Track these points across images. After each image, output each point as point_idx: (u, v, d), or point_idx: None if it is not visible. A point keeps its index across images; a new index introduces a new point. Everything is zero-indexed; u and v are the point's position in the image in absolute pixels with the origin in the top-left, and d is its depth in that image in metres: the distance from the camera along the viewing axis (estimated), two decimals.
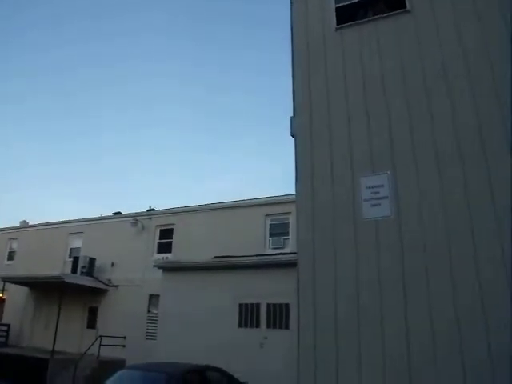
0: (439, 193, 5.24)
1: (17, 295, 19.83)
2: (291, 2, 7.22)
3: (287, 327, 10.79)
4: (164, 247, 17.96)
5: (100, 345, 14.67)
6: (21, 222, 23.99)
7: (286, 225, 16.37)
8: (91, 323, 17.80)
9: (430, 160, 5.43)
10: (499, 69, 5.43)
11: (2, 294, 19.36)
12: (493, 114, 5.28)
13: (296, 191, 6.18)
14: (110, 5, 46.87)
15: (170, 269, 13.33)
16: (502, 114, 5.18)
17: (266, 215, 16.83)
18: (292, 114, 6.57)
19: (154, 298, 16.12)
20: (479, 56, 5.65)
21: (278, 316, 11.13)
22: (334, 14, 6.80)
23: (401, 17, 6.39)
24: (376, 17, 6.59)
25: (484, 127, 5.27)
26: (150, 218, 18.82)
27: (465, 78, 5.63)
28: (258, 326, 11.26)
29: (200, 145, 56.00)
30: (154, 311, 15.76)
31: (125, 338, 15.93)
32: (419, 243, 5.13)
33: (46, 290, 18.60)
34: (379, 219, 5.48)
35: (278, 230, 16.52)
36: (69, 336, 16.98)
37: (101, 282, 17.96)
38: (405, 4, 6.40)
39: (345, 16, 6.77)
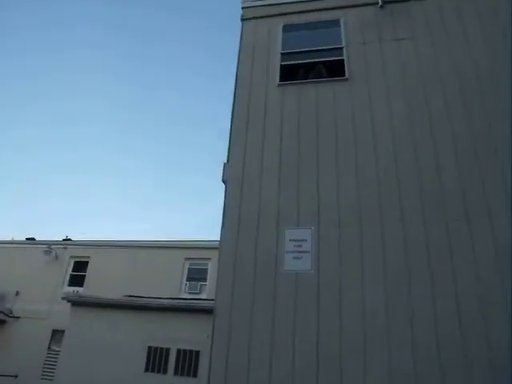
0: (359, 253, 5.48)
1: None
2: (239, 55, 7.50)
3: (195, 375, 10.49)
4: (76, 280, 17.18)
5: None
6: None
7: (205, 270, 16.31)
8: None
9: (354, 218, 5.71)
10: (421, 145, 5.96)
11: None
12: (412, 180, 5.71)
13: (221, 237, 6.18)
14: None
15: (79, 303, 12.67)
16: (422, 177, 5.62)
17: (186, 259, 16.69)
18: (226, 161, 6.67)
19: (57, 334, 15.17)
20: (405, 132, 6.16)
21: (187, 363, 10.81)
22: (279, 70, 7.15)
23: (339, 83, 6.85)
24: (317, 79, 7.01)
25: (403, 191, 5.66)
26: (65, 248, 18.04)
27: (391, 151, 6.06)
28: (165, 371, 10.84)
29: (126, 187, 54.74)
30: (56, 348, 14.77)
31: (16, 376, 14.71)
32: (336, 299, 5.28)
33: None
34: (299, 273, 5.58)
35: (196, 275, 16.41)
36: None
37: (0, 311, 16.70)
38: (344, 73, 6.89)
39: (288, 73, 7.14)
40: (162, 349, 11.15)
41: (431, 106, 6.30)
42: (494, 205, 5.40)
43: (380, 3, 7.42)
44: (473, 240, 5.24)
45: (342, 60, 7.03)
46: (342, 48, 7.16)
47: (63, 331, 13.17)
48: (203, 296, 14.80)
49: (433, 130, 6.09)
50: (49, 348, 15.59)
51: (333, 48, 7.25)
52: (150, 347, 11.23)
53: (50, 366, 14.60)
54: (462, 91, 6.33)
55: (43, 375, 14.82)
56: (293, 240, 5.79)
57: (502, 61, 6.45)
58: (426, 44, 6.90)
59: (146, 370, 10.99)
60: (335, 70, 7.03)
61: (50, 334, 15.75)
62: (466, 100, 6.24)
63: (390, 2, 7.47)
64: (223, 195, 6.43)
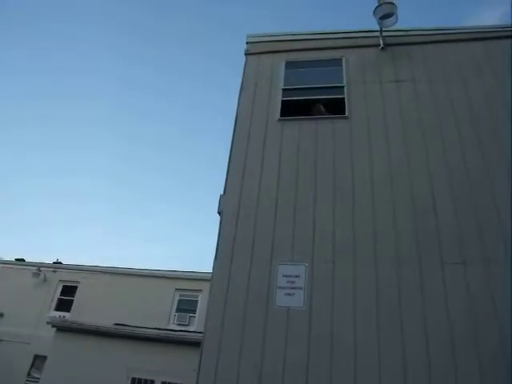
0: (352, 291, 5.42)
1: None
2: (241, 88, 7.59)
3: None
4: (63, 305, 16.88)
5: None
6: None
7: (195, 302, 16.11)
8: None
9: (349, 256, 5.67)
10: (418, 187, 5.99)
11: None
12: (408, 222, 5.71)
13: (213, 269, 6.10)
14: None
15: (65, 329, 12.39)
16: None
17: (176, 289, 16.49)
18: (222, 192, 6.65)
19: (39, 360, 14.79)
20: (402, 173, 6.20)
21: None
22: (280, 105, 7.23)
23: (339, 120, 6.92)
24: (317, 116, 7.10)
25: (399, 231, 5.66)
26: (55, 271, 17.79)
27: (388, 191, 6.08)
28: None
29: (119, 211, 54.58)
30: (36, 375, 14.38)
31: None
32: (327, 338, 5.19)
33: None
34: (291, 309, 5.50)
35: (186, 307, 16.20)
36: None
37: None
38: (344, 111, 6.97)
39: (289, 109, 7.21)
40: (146, 380, 10.89)
41: (429, 148, 6.36)
42: (489, 249, 5.40)
43: (381, 45, 7.58)
44: (467, 283, 5.21)
45: (343, 98, 7.12)
46: (343, 87, 7.27)
47: (45, 357, 12.84)
48: (192, 328, 14.55)
49: (430, 172, 6.12)
50: (28, 374, 15.15)
51: (334, 86, 7.37)
52: (134, 378, 10.96)
53: None
54: (460, 135, 6.40)
55: None
56: (286, 276, 5.73)
57: (499, 107, 6.56)
58: (425, 87, 7.01)
59: None
60: (335, 107, 7.11)
61: (31, 360, 15.35)
62: (464, 143, 6.30)
63: (391, 45, 7.63)
64: (218, 226, 6.39)
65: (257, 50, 8.02)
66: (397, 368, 4.87)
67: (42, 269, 17.57)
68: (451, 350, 4.86)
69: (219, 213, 6.48)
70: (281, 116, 7.11)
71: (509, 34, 7.33)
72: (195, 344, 9.80)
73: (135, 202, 54.61)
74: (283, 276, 5.74)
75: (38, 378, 13.25)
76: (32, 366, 15.27)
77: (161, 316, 15.38)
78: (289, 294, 5.60)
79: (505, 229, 5.47)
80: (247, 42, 8.14)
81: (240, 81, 7.71)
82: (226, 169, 6.86)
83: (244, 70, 7.80)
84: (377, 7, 7.23)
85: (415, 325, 5.07)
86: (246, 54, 7.97)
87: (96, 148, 49.96)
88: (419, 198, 5.94)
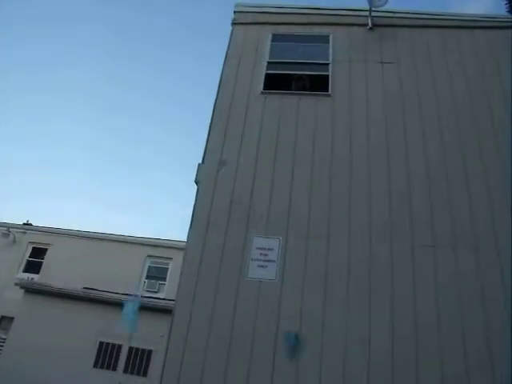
0: (324, 266, 5.52)
1: None
2: (226, 58, 7.48)
3: (145, 375, 10.38)
4: (32, 267, 16.69)
5: None
6: None
7: (165, 270, 16.17)
8: None
9: (323, 231, 5.76)
10: (395, 168, 6.09)
11: None
12: (383, 201, 5.82)
13: (188, 237, 6.11)
14: None
15: (34, 291, 12.33)
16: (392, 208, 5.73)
17: (148, 256, 16.50)
18: (201, 162, 6.62)
19: (5, 321, 14.68)
20: (380, 153, 6.28)
21: (138, 361, 10.67)
22: (263, 78, 7.17)
23: (321, 98, 6.94)
24: (300, 92, 7.10)
25: (373, 210, 5.76)
26: (24, 233, 17.53)
27: (366, 170, 6.16)
28: (114, 368, 10.67)
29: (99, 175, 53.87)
30: (3, 336, 14.31)
31: None
32: (297, 312, 5.30)
33: None
34: (263, 281, 5.57)
35: (156, 274, 16.28)
36: None
37: None
38: (328, 89, 6.97)
39: (272, 82, 7.16)
40: (113, 345, 10.97)
41: (408, 132, 6.43)
42: (458, 234, 5.57)
43: (369, 25, 7.56)
44: (435, 267, 5.37)
45: (327, 76, 7.10)
46: (328, 64, 7.24)
47: (12, 318, 12.76)
48: (161, 295, 14.62)
49: (407, 155, 6.21)
50: None
51: (319, 63, 7.34)
52: (101, 342, 11.04)
53: None
54: (440, 121, 6.49)
55: None
56: (260, 248, 5.78)
57: (480, 98, 6.66)
58: (410, 71, 7.05)
59: (95, 365, 10.79)
60: (319, 84, 7.10)
61: None
62: (443, 129, 6.41)
63: (379, 26, 7.62)
64: (194, 196, 6.37)
65: (244, 20, 7.88)
66: (363, 345, 5.02)
67: (11, 229, 17.31)
68: (415, 337, 5.03)
69: (196, 182, 6.46)
70: (264, 89, 7.06)
71: (496, 24, 7.41)
72: (164, 311, 9.88)
73: (109, 166, 53.90)
74: (257, 248, 5.79)
75: (5, 339, 13.18)
76: None
77: (131, 282, 15.38)
78: (261, 267, 5.67)
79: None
80: (235, 11, 7.99)
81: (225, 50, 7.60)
82: (205, 138, 6.81)
83: (230, 39, 7.67)
84: None
85: (384, 302, 5.22)
86: (232, 24, 7.83)
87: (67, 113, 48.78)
88: (395, 179, 6.04)
